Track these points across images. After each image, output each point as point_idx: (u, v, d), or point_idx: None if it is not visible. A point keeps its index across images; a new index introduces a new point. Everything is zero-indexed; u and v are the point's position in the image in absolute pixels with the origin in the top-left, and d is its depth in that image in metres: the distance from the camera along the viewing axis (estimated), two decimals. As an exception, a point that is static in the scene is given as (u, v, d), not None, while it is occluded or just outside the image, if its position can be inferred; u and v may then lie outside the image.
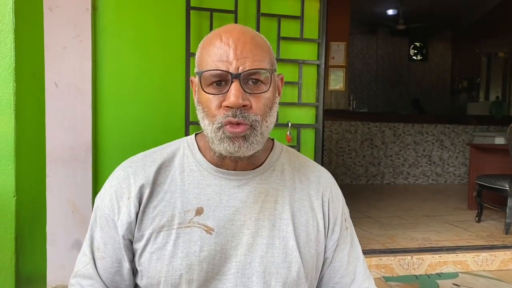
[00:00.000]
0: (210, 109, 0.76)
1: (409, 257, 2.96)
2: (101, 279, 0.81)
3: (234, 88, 0.73)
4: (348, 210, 0.94)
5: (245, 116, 0.74)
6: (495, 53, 7.89)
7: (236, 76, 0.73)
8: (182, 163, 0.84)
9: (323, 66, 2.78)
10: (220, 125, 0.75)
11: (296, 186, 0.87)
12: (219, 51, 0.74)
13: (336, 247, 0.88)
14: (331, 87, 6.76)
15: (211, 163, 0.83)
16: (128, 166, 0.84)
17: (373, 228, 3.74)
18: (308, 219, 0.85)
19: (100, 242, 0.82)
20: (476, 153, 4.75)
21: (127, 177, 0.82)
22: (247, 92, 0.75)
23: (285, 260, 0.81)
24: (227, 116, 0.74)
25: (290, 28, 2.69)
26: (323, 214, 0.87)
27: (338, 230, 0.88)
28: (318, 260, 0.86)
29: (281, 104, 2.70)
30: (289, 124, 2.73)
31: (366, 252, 2.95)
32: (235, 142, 0.75)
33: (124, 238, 0.80)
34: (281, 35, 2.64)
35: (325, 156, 6.53)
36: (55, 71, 2.44)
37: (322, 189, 0.89)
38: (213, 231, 0.79)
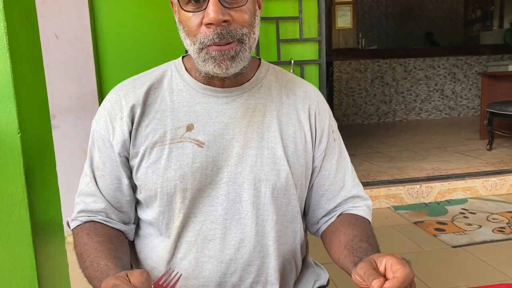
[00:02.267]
0: (190, 29, 0.77)
1: (418, 186, 3.01)
2: (103, 195, 0.86)
3: (212, 4, 0.73)
4: (336, 123, 0.97)
5: (232, 35, 0.75)
6: (509, -23, 7.52)
7: None
8: (171, 84, 0.87)
9: (323, -2, 2.72)
10: (202, 46, 0.76)
11: (283, 101, 0.89)
12: None
13: (324, 156, 0.91)
14: (338, 25, 6.60)
15: (198, 82, 0.86)
16: (119, 90, 0.88)
17: (382, 161, 3.78)
18: (296, 131, 0.88)
19: (99, 162, 0.86)
20: (489, 82, 4.67)
21: (119, 100, 0.86)
22: (226, 7, 0.75)
23: (273, 168, 0.84)
24: (212, 39, 0.75)
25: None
26: (310, 126, 0.89)
27: (325, 141, 0.91)
28: (307, 169, 0.89)
29: (282, 41, 2.68)
30: (292, 61, 2.71)
31: (375, 183, 3.02)
32: (222, 64, 0.77)
33: (120, 156, 0.84)
34: (278, -32, 2.57)
35: (335, 97, 6.49)
36: (54, 22, 2.44)
37: (309, 102, 0.91)
38: (204, 144, 0.82)
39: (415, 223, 2.65)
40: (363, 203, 0.92)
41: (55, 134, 2.56)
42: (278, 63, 2.67)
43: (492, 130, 4.07)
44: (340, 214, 0.91)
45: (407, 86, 6.70)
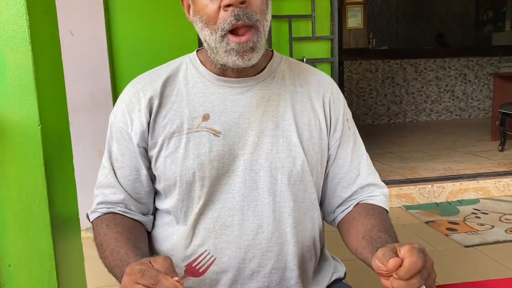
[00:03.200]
0: (209, 16, 0.78)
1: (429, 186, 3.00)
2: (122, 186, 0.88)
3: None
4: (350, 112, 0.97)
5: (249, 16, 0.76)
6: (522, -22, 7.46)
7: None
8: (186, 76, 0.89)
9: (336, -4, 2.72)
10: (223, 32, 0.77)
11: (297, 90, 0.90)
12: None
13: (339, 145, 0.91)
14: (349, 25, 6.58)
15: (213, 73, 0.87)
16: (136, 83, 0.89)
17: (393, 161, 3.77)
18: (310, 119, 0.89)
19: (118, 154, 0.88)
20: (501, 83, 4.63)
21: (136, 92, 0.87)
22: None
23: (289, 155, 0.85)
24: (231, 22, 0.76)
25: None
26: (325, 114, 0.90)
27: (340, 129, 0.91)
28: (322, 157, 0.90)
29: (295, 39, 2.69)
30: (304, 60, 2.71)
31: (386, 183, 2.99)
32: (244, 55, 0.78)
33: (139, 146, 0.85)
34: (292, -33, 2.58)
35: (345, 97, 6.46)
36: (69, 20, 2.47)
37: (323, 90, 0.92)
38: (220, 134, 0.84)
39: (427, 222, 2.63)
40: (379, 192, 0.92)
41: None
42: (290, 61, 2.67)
43: (504, 131, 4.04)
44: (357, 204, 0.91)
45: (418, 86, 6.67)
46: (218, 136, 0.84)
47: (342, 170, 0.92)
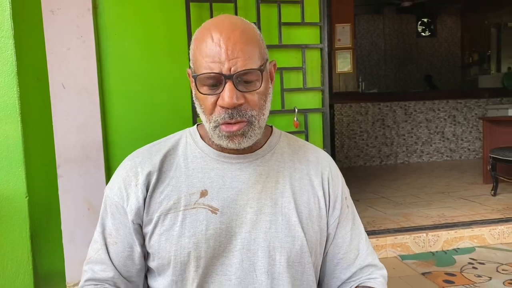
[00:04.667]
0: (206, 107, 0.80)
1: (424, 234, 2.97)
2: (112, 263, 0.85)
3: (227, 89, 0.76)
4: (348, 190, 0.96)
5: (242, 114, 0.78)
6: (504, 23, 7.74)
7: (229, 77, 0.76)
8: (186, 151, 0.88)
9: (326, 49, 2.77)
10: (216, 124, 0.79)
11: (296, 167, 0.90)
12: (211, 52, 0.77)
13: (338, 223, 0.90)
14: (338, 70, 6.72)
15: (213, 148, 0.87)
16: (135, 157, 0.88)
17: (387, 207, 3.74)
18: (309, 197, 0.88)
19: (112, 229, 0.86)
20: (489, 126, 4.69)
21: (134, 166, 0.86)
22: (241, 91, 0.78)
23: (288, 235, 0.84)
24: (224, 118, 0.78)
25: (290, 13, 2.68)
26: (323, 192, 0.90)
27: (339, 207, 0.91)
28: (321, 236, 0.89)
29: (286, 90, 2.71)
30: (296, 110, 2.73)
31: (381, 232, 2.97)
32: (234, 139, 0.80)
33: (133, 223, 0.84)
34: (282, 20, 2.63)
35: (336, 139, 6.52)
36: (61, 73, 2.48)
37: (321, 168, 0.92)
38: (218, 211, 0.82)
39: (423, 274, 2.58)
40: (379, 274, 0.90)
41: (59, 183, 2.55)
42: (282, 111, 2.69)
43: (496, 176, 4.05)
44: (356, 287, 0.89)
45: (408, 128, 6.75)
46: (216, 213, 0.82)
47: (341, 250, 0.90)
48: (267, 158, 0.88)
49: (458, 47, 9.47)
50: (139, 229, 0.85)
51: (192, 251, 0.80)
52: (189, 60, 0.85)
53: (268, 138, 0.91)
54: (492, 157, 4.06)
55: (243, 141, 0.80)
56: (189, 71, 0.86)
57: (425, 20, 9.71)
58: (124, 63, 2.52)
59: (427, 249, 2.97)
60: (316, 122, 2.82)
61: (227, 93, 0.76)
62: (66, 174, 2.49)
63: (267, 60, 0.83)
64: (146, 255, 0.87)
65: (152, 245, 0.83)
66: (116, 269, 0.85)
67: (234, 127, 0.79)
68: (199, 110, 0.83)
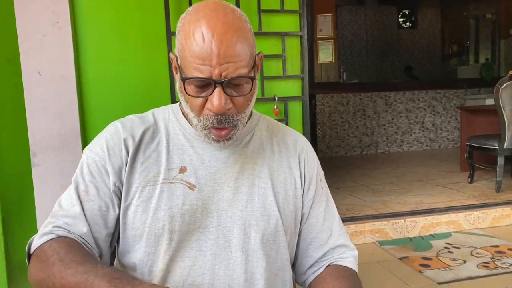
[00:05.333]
0: (194, 107, 0.80)
1: (402, 221, 3.02)
2: (86, 220, 0.81)
3: (217, 94, 0.75)
4: (323, 173, 0.99)
5: (229, 120, 0.79)
6: (482, 15, 7.85)
7: (219, 83, 0.75)
8: (167, 127, 0.89)
9: (306, 37, 2.78)
10: (205, 126, 0.80)
11: (274, 149, 0.92)
12: (201, 53, 0.73)
13: (312, 204, 0.92)
14: (320, 60, 6.74)
15: (193, 128, 0.87)
16: (118, 123, 0.88)
17: (366, 195, 3.79)
18: (286, 178, 0.90)
19: (90, 187, 0.83)
20: (467, 116, 4.78)
21: (118, 132, 0.86)
22: (229, 95, 0.77)
23: (263, 214, 0.85)
24: (212, 123, 0.79)
25: (270, 0, 2.68)
26: (300, 173, 0.92)
27: (314, 188, 0.93)
28: (296, 216, 0.90)
29: (266, 78, 2.71)
30: (276, 98, 2.74)
31: (360, 218, 3.02)
32: (220, 142, 0.83)
33: (115, 185, 0.83)
34: (262, 7, 2.63)
35: (318, 129, 6.57)
36: (37, 60, 2.44)
37: (299, 150, 0.94)
38: (196, 187, 0.83)
39: (401, 258, 2.63)
40: (350, 254, 0.92)
41: (36, 172, 2.51)
42: (262, 99, 2.69)
43: (472, 163, 4.14)
44: (328, 265, 0.91)
45: (388, 118, 6.83)
46: (193, 190, 0.83)
47: (314, 229, 0.92)
48: (246, 140, 0.90)
49: (438, 39, 9.59)
50: (118, 192, 0.84)
51: (167, 224, 0.81)
52: (175, 47, 0.82)
53: (248, 120, 0.92)
54: (469, 145, 4.14)
55: (228, 143, 0.83)
56: (172, 56, 0.84)
57: (406, 11, 9.80)
58: (101, 50, 2.49)
59: (405, 235, 3.02)
60: (296, 110, 2.83)
61: (216, 99, 0.75)
62: (43, 162, 2.46)
63: (256, 55, 0.82)
64: (118, 224, 0.85)
65: (128, 214, 0.83)
66: (89, 226, 0.81)
67: (223, 132, 0.80)
68: (184, 104, 0.83)
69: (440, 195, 3.67)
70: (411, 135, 6.89)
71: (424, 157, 6.11)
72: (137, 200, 0.82)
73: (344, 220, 2.92)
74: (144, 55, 2.50)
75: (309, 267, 0.93)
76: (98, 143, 0.86)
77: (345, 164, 5.72)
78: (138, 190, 0.82)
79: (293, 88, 2.81)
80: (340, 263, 0.90)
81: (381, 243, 2.93)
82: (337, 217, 0.96)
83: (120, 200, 0.84)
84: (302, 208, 0.91)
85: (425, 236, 3.03)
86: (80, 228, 0.80)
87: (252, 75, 0.79)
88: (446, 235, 3.02)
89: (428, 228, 3.06)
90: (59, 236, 0.78)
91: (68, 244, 0.76)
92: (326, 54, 6.72)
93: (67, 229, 0.79)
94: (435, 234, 3.05)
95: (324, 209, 0.93)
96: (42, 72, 2.46)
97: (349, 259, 0.91)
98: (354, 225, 2.92)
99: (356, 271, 0.91)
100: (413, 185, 4.13)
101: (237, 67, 0.75)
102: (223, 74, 0.74)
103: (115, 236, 0.87)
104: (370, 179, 4.57)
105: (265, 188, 0.86)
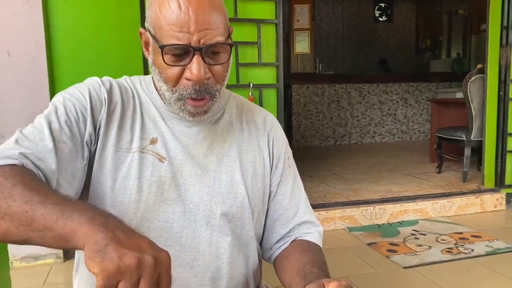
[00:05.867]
0: (169, 78, 0.78)
1: (371, 208, 3.10)
2: (56, 158, 0.72)
3: (196, 62, 0.74)
4: (291, 151, 1.00)
5: (208, 90, 0.78)
6: (455, 10, 8.01)
7: (198, 50, 0.74)
8: (140, 96, 0.88)
9: (281, 25, 2.80)
10: (181, 97, 0.78)
11: (244, 127, 0.93)
12: (178, 21, 0.72)
13: (280, 181, 0.94)
14: (297, 51, 6.78)
15: (164, 103, 0.87)
16: (99, 80, 0.86)
17: (338, 183, 3.87)
18: (255, 156, 0.91)
19: (64, 128, 0.77)
20: (437, 108, 4.90)
21: (101, 88, 0.84)
22: (208, 63, 0.76)
23: (230, 191, 0.86)
24: (190, 93, 0.77)
25: (246, -13, 2.68)
26: (269, 152, 0.93)
27: (281, 166, 0.94)
28: (264, 194, 0.92)
29: (241, 64, 2.72)
30: (251, 85, 2.76)
31: (330, 205, 3.08)
32: (196, 116, 0.81)
33: (90, 137, 0.79)
34: (238, -6, 2.63)
35: (294, 119, 6.62)
36: (7, 40, 2.38)
37: (268, 129, 0.95)
38: (165, 160, 0.84)
39: (369, 244, 2.71)
40: (315, 230, 0.95)
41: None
42: (237, 86, 2.71)
43: (441, 154, 4.26)
44: (293, 240, 0.93)
45: (362, 110, 6.93)
46: (163, 162, 0.83)
47: (281, 206, 0.94)
48: (216, 118, 0.90)
49: (413, 33, 9.73)
50: (90, 144, 0.79)
51: (134, 194, 0.80)
52: (146, 21, 0.80)
53: None
54: (438, 136, 4.25)
55: (204, 116, 0.82)
56: (142, 30, 0.83)
57: (382, 5, 9.89)
58: (74, 31, 2.45)
59: (374, 222, 3.10)
60: (271, 98, 2.85)
61: (196, 67, 0.74)
62: (12, 145, 2.41)
63: (229, 27, 0.81)
64: (81, 177, 0.79)
65: (98, 176, 0.80)
66: (58, 167, 0.73)
67: (200, 103, 0.79)
68: (157, 78, 0.80)
69: (409, 184, 3.77)
70: (383, 127, 7.03)
71: (395, 148, 6.24)
72: (109, 163, 0.80)
73: (316, 206, 2.97)
74: (119, 36, 2.47)
75: (275, 243, 0.95)
76: (79, 90, 0.81)
77: (319, 154, 5.80)
78: (110, 153, 0.80)
79: (268, 75, 2.83)
80: (305, 238, 0.93)
81: (351, 229, 3.00)
82: (304, 195, 0.98)
83: (89, 152, 0.80)
84: (270, 185, 0.93)
85: (393, 223, 3.12)
86: (49, 165, 0.71)
87: (230, 50, 0.79)
88: (414, 222, 3.11)
89: (396, 215, 3.15)
90: (24, 166, 0.68)
91: (35, 177, 0.67)
92: (302, 45, 6.76)
93: (34, 163, 0.70)
94: (402, 221, 3.14)
95: (291, 186, 0.95)
96: (11, 52, 2.41)
97: (314, 234, 0.94)
98: (325, 212, 2.98)
99: (321, 246, 0.94)
100: (383, 175, 4.23)
101: (214, 34, 0.74)
102: (201, 41, 0.74)
103: (78, 191, 0.80)
104: (342, 168, 4.65)
105: (233, 167, 0.88)
